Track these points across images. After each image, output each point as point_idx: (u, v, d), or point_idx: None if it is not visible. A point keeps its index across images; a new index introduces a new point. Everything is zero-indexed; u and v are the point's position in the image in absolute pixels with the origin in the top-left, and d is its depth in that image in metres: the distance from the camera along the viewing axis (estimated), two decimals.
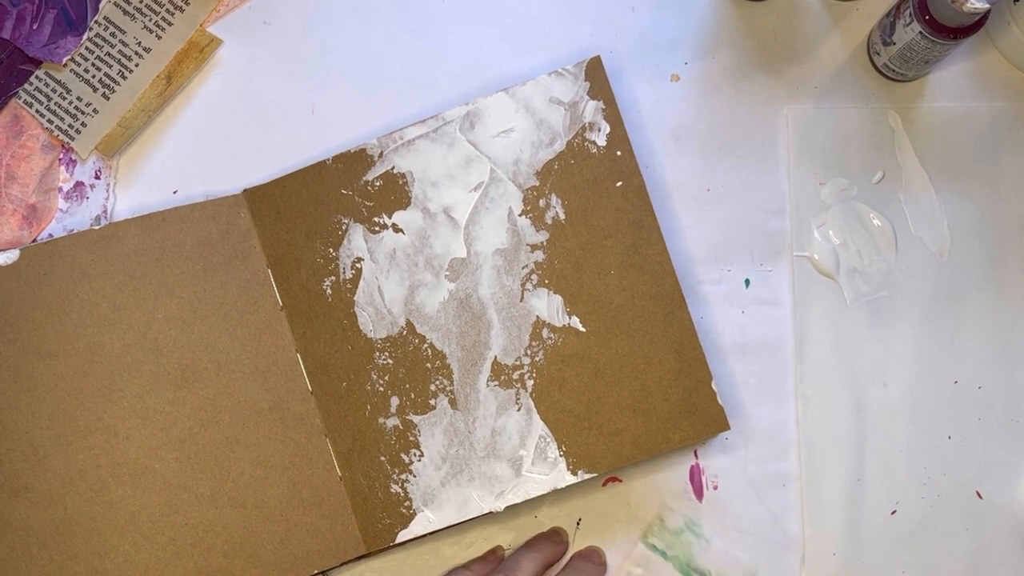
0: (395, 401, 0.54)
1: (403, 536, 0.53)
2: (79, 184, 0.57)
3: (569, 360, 0.53)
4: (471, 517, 0.53)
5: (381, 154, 0.55)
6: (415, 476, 0.53)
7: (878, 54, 0.57)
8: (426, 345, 0.54)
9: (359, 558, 0.54)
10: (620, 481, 0.56)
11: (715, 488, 0.56)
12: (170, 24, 0.57)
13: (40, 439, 0.53)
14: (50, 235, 0.56)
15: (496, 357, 0.54)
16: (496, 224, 0.54)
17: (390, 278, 0.54)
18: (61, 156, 0.57)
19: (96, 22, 0.57)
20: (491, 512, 0.53)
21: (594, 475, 0.53)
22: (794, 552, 0.55)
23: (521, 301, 0.54)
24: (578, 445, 0.53)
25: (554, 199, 0.54)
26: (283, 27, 0.59)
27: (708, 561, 0.55)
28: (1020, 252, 0.57)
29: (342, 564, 0.54)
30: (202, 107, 0.58)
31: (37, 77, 0.57)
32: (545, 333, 0.54)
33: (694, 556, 0.55)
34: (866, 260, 0.57)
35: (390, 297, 0.54)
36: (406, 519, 0.53)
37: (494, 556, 0.55)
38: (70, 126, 0.57)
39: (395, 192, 0.55)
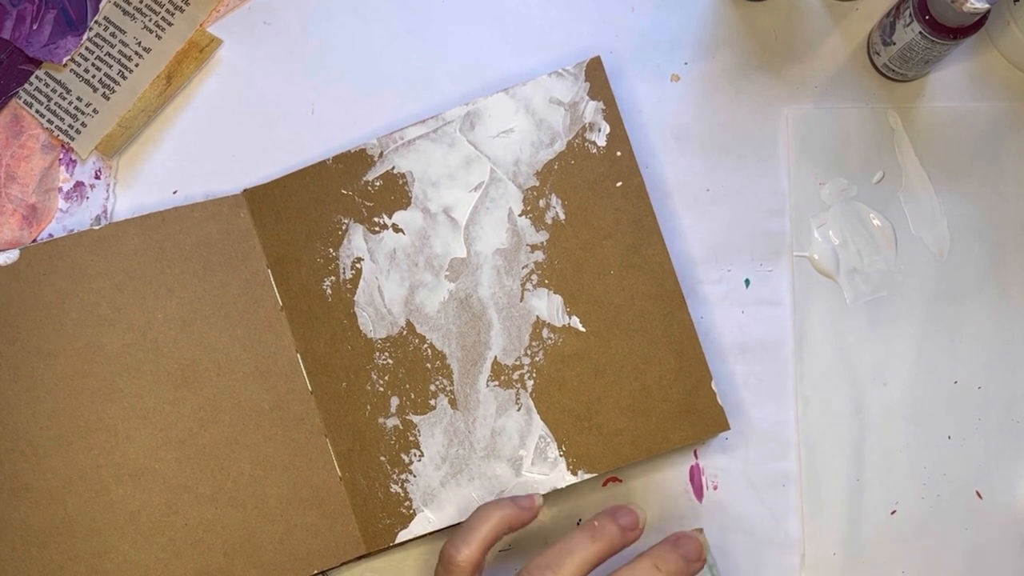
0: (395, 401, 0.54)
1: (403, 536, 0.53)
2: (79, 184, 0.57)
3: (569, 360, 0.53)
4: None
5: (381, 154, 0.55)
6: (415, 476, 0.53)
7: (878, 54, 0.57)
8: (426, 345, 0.54)
9: (359, 558, 0.54)
10: (620, 481, 0.56)
11: (715, 488, 0.56)
12: (170, 24, 0.57)
13: (40, 439, 0.53)
14: (50, 235, 0.56)
15: (496, 357, 0.54)
16: (496, 224, 0.54)
17: (390, 278, 0.54)
18: (61, 156, 0.57)
19: (96, 22, 0.57)
20: None
21: (594, 475, 0.53)
22: (794, 552, 0.55)
23: (521, 301, 0.54)
24: (578, 445, 0.53)
25: (554, 199, 0.54)
26: (283, 27, 0.59)
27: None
28: (1020, 252, 0.57)
29: (342, 564, 0.54)
30: (202, 107, 0.58)
31: (37, 77, 0.57)
32: (545, 333, 0.54)
33: None
34: (866, 260, 0.57)
35: (390, 297, 0.54)
36: (406, 519, 0.53)
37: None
38: (70, 126, 0.57)
39: (395, 192, 0.55)
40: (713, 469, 0.56)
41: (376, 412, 0.54)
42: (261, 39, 0.59)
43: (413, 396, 0.54)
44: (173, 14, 0.57)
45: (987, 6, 0.49)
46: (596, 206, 0.54)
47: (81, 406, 0.53)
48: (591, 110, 0.54)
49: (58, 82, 0.57)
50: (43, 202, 0.57)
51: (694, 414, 0.53)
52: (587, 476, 0.53)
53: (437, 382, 0.54)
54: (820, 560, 0.55)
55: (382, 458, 0.53)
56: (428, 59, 0.58)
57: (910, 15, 0.52)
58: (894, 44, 0.55)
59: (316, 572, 0.53)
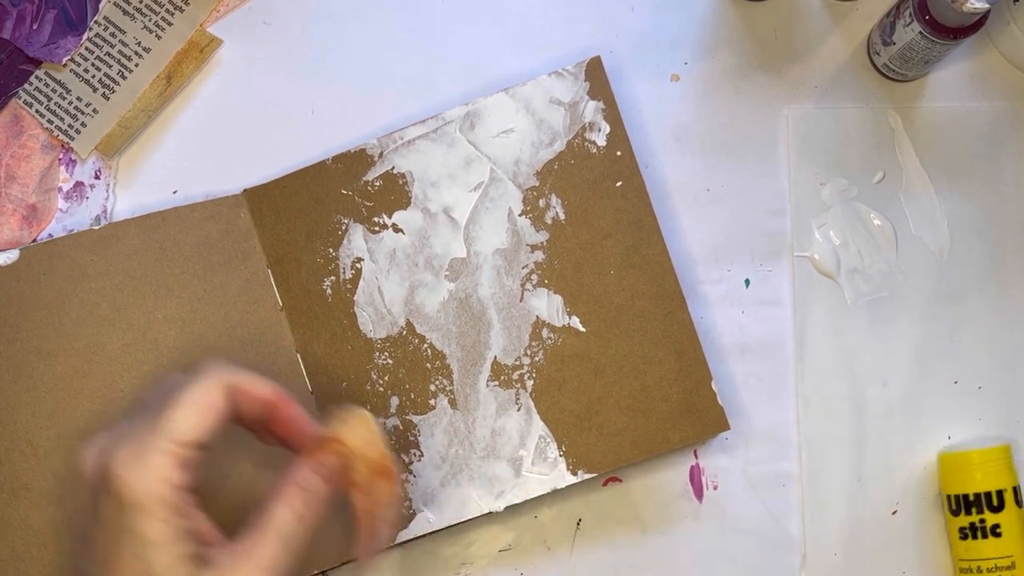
0: (395, 401, 0.54)
1: (403, 536, 0.53)
2: (79, 184, 0.57)
3: (569, 360, 0.53)
4: (471, 517, 0.53)
5: (381, 154, 0.55)
6: (415, 476, 0.53)
7: (878, 54, 0.57)
8: (426, 345, 0.54)
9: None
10: (620, 481, 0.56)
11: (715, 488, 0.56)
12: (170, 24, 0.57)
13: (40, 439, 0.53)
14: (50, 235, 0.56)
15: (496, 357, 0.54)
16: (496, 224, 0.54)
17: (390, 278, 0.54)
18: (61, 156, 0.57)
19: (96, 22, 0.57)
20: (491, 512, 0.53)
21: (594, 475, 0.53)
22: (794, 552, 0.55)
23: (521, 301, 0.54)
24: (578, 445, 0.53)
25: (554, 199, 0.54)
26: (283, 27, 0.59)
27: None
28: (1020, 252, 0.57)
29: (342, 564, 0.54)
30: (202, 107, 0.58)
31: (37, 77, 0.57)
32: (545, 333, 0.54)
33: None
34: (866, 260, 0.57)
35: (390, 297, 0.54)
36: (406, 519, 0.53)
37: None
38: (70, 126, 0.57)
39: (395, 192, 0.55)
40: (713, 469, 0.56)
41: (376, 412, 0.54)
42: (261, 39, 0.59)
43: (413, 396, 0.54)
44: (173, 14, 0.57)
45: (987, 6, 0.49)
46: (596, 206, 0.54)
47: (81, 406, 0.53)
48: (591, 110, 0.54)
49: (58, 82, 0.57)
50: (43, 202, 0.57)
51: (694, 414, 0.53)
52: (587, 476, 0.53)
53: (437, 382, 0.54)
54: (820, 560, 0.55)
55: None
56: (428, 59, 0.58)
57: (910, 15, 0.52)
58: (894, 44, 0.55)
59: (316, 572, 0.53)
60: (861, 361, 0.56)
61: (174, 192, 0.58)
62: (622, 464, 0.53)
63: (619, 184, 0.54)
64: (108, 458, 0.41)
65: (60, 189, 0.57)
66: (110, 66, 0.57)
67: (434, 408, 0.54)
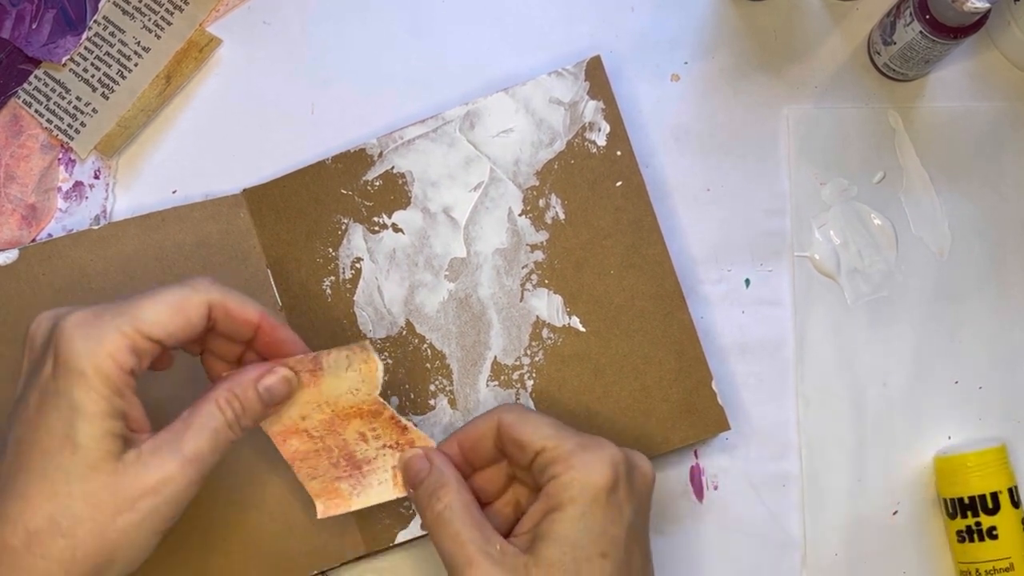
0: (395, 401, 0.54)
1: (403, 536, 0.53)
2: (78, 184, 0.57)
3: (569, 360, 0.53)
4: None
5: (381, 154, 0.55)
6: None
7: (878, 54, 0.57)
8: (426, 345, 0.54)
9: (359, 558, 0.54)
10: None
11: (715, 488, 0.56)
12: (169, 24, 0.57)
13: None
14: (49, 235, 0.56)
15: (496, 357, 0.54)
16: (496, 224, 0.54)
17: (390, 278, 0.54)
18: (60, 156, 0.57)
19: (95, 22, 0.57)
20: None
21: None
22: (794, 552, 0.55)
23: (521, 301, 0.54)
24: None
25: (554, 199, 0.54)
26: (283, 27, 0.59)
27: None
28: (1021, 252, 0.57)
29: (342, 564, 0.54)
30: (202, 107, 0.58)
31: (36, 77, 0.57)
32: (545, 333, 0.54)
33: None
34: (867, 260, 0.57)
35: (390, 297, 0.54)
36: (406, 519, 0.53)
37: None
38: (69, 126, 0.57)
39: (395, 192, 0.55)
40: (713, 469, 0.56)
41: None
42: (261, 39, 0.59)
43: (413, 396, 0.54)
44: (172, 13, 0.57)
45: (987, 5, 0.49)
46: (596, 206, 0.54)
47: None
48: (591, 110, 0.54)
49: (57, 82, 0.57)
50: (42, 202, 0.57)
51: (694, 414, 0.53)
52: None
53: (437, 382, 0.54)
54: (821, 560, 0.55)
55: None
56: (428, 59, 0.58)
57: (910, 15, 0.52)
58: (894, 44, 0.55)
59: (316, 572, 0.53)
60: (861, 361, 0.56)
61: (174, 192, 0.57)
62: None
63: (619, 184, 0.54)
64: (63, 320, 0.40)
65: (59, 189, 0.57)
66: (109, 66, 0.57)
67: (434, 408, 0.54)
